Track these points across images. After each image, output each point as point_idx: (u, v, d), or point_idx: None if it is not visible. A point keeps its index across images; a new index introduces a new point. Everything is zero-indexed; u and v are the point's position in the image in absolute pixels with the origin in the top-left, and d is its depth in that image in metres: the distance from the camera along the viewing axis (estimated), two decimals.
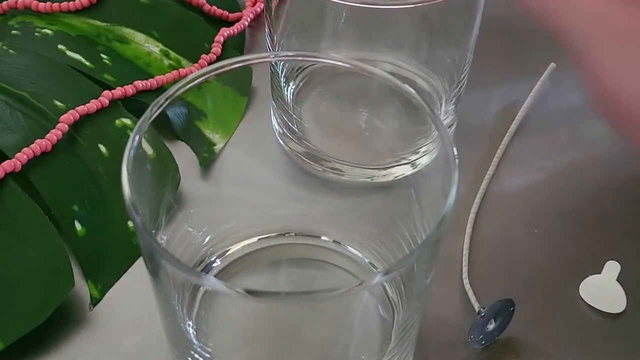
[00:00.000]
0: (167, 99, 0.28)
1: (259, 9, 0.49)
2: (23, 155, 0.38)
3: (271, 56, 0.39)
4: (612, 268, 0.37)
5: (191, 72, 0.44)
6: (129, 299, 0.35)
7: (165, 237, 0.30)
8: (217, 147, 0.40)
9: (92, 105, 0.41)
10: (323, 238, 0.35)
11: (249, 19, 0.48)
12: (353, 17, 0.40)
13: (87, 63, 0.45)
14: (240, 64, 0.29)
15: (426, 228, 0.29)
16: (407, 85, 0.28)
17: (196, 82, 0.28)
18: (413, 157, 0.38)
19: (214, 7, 0.49)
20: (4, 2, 0.48)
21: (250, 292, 0.23)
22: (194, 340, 0.30)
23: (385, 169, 0.38)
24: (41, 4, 0.48)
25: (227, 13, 0.49)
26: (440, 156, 0.27)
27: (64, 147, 0.39)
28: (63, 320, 0.34)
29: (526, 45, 0.49)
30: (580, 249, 0.38)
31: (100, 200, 0.38)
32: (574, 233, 0.39)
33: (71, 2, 0.48)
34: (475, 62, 0.41)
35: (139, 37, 0.47)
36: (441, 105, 0.41)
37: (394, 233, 0.32)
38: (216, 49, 0.46)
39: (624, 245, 0.38)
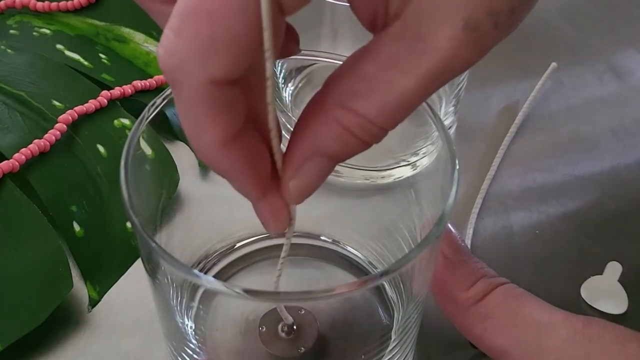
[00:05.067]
0: (165, 99, 0.27)
1: None
2: (21, 156, 0.38)
3: None
4: (614, 269, 0.36)
5: None
6: (127, 300, 0.35)
7: (164, 238, 0.30)
8: None
9: (91, 105, 0.41)
10: (322, 238, 0.34)
11: None
12: (353, 17, 0.40)
13: (86, 63, 0.44)
14: None
15: (426, 228, 0.29)
16: None
17: None
18: (413, 159, 0.37)
19: None
20: (2, 2, 0.48)
21: (250, 292, 0.22)
22: (193, 341, 0.30)
23: (385, 170, 0.38)
24: (39, 3, 0.47)
25: None
26: (440, 157, 0.27)
27: (62, 148, 0.39)
28: (61, 321, 0.33)
29: (527, 45, 0.49)
30: (581, 250, 0.38)
31: (99, 200, 0.38)
32: (576, 234, 0.39)
33: (69, 2, 0.48)
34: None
35: (138, 37, 0.47)
36: (441, 106, 0.41)
37: (393, 233, 0.31)
38: None
39: (626, 246, 0.38)
